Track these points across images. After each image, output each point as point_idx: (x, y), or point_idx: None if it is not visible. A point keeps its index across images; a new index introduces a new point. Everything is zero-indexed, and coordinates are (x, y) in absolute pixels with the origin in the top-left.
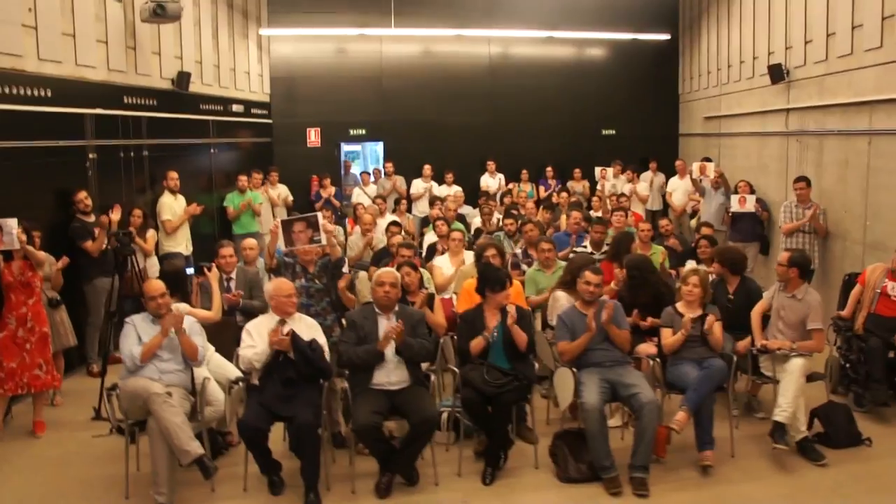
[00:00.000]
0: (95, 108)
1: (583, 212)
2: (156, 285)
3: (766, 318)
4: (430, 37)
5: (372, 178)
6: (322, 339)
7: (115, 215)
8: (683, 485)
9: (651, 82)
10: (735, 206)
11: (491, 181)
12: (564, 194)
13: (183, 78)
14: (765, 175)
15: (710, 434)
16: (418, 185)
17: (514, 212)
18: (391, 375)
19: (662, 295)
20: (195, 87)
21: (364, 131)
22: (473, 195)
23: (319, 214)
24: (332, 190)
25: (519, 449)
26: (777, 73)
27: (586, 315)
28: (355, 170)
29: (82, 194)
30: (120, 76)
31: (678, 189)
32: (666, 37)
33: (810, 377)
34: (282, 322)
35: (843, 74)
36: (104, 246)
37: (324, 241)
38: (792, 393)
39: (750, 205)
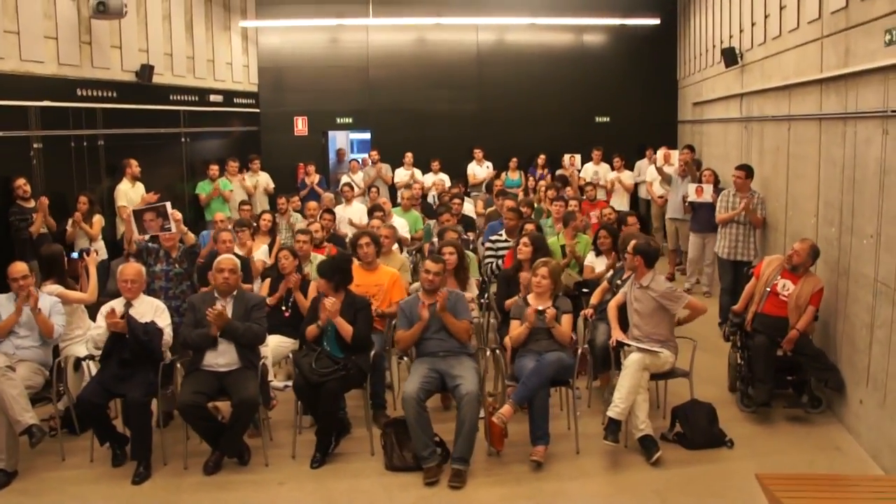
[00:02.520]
0: (42, 100)
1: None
2: (17, 268)
3: None
4: (416, 25)
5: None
6: (165, 322)
7: (41, 206)
8: (506, 479)
9: (647, 68)
10: (692, 195)
11: (478, 169)
12: (542, 182)
13: (145, 70)
14: (727, 163)
15: (542, 429)
16: (401, 174)
17: (457, 201)
18: (220, 357)
19: None
20: (164, 78)
21: (351, 120)
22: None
23: (168, 204)
24: (317, 178)
25: (366, 436)
26: (730, 57)
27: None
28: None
29: (21, 181)
30: (72, 70)
31: (658, 178)
32: (655, 21)
33: (671, 373)
34: (128, 305)
35: (775, 57)
36: (40, 230)
37: (174, 229)
38: (626, 388)
39: (707, 195)
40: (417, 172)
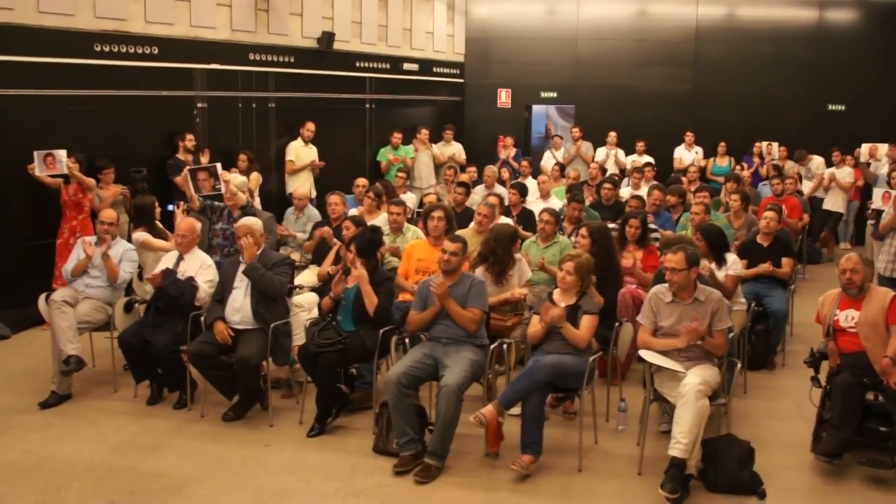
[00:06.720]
0: (210, 63)
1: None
2: (106, 214)
3: None
4: None
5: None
6: (206, 279)
7: (204, 158)
8: (478, 484)
9: None
10: (877, 202)
11: (686, 154)
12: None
13: (326, 37)
14: None
15: (532, 437)
16: (602, 153)
17: (608, 186)
18: (234, 314)
19: (605, 271)
20: (351, 45)
21: (555, 94)
22: (666, 168)
23: (219, 165)
24: (513, 151)
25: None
26: None
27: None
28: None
29: (189, 136)
30: (246, 35)
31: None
32: None
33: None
34: (179, 258)
35: None
36: None
37: (223, 189)
38: (688, 421)
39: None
40: (621, 153)
